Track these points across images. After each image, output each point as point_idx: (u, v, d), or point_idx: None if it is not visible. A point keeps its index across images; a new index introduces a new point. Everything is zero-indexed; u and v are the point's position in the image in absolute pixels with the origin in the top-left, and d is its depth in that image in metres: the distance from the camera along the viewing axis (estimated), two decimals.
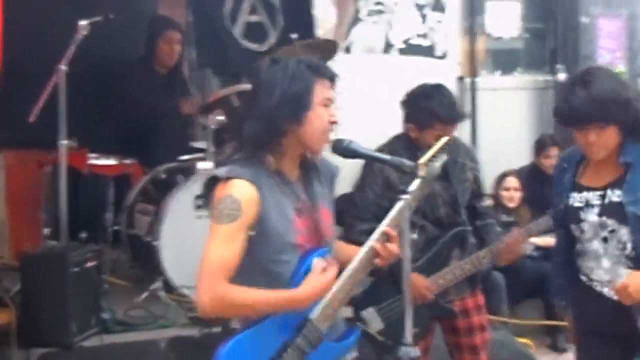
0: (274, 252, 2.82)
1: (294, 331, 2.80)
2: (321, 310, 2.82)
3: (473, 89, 7.62)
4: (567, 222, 3.46)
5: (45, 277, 4.59)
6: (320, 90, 2.87)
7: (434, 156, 3.02)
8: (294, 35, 5.76)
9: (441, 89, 4.22)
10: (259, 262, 2.81)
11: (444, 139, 3.16)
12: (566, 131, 8.55)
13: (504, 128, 8.14)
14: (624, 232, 3.31)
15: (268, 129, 2.82)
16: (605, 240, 3.36)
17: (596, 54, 8.66)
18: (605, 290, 3.39)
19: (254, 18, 6.94)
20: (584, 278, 3.45)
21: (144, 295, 5.32)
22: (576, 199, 3.42)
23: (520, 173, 7.02)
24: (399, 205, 2.88)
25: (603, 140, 3.29)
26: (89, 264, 4.78)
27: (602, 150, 3.32)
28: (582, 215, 3.40)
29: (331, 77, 2.92)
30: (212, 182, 2.86)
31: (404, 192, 2.88)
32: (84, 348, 4.60)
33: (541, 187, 6.97)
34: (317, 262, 2.83)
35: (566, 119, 3.38)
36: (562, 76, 8.21)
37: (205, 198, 2.91)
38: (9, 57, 5.05)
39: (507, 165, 7.15)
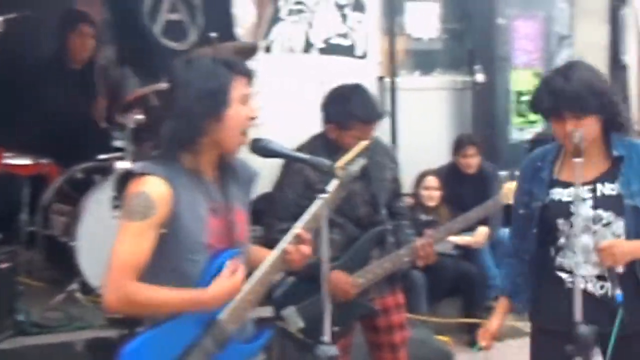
0: (185, 251, 2.80)
1: (201, 331, 2.79)
2: (230, 311, 2.82)
3: (393, 89, 7.67)
4: (552, 218, 3.44)
5: None
6: (237, 87, 2.86)
7: (352, 159, 3.04)
8: (213, 34, 5.74)
9: (360, 89, 4.25)
10: (169, 260, 2.79)
11: (363, 143, 3.19)
12: (485, 131, 8.76)
13: (423, 128, 8.22)
14: (620, 225, 3.37)
15: (186, 127, 2.79)
16: (595, 233, 3.39)
17: (513, 55, 8.83)
18: (590, 286, 3.41)
19: (174, 16, 6.90)
20: (563, 275, 3.46)
21: (61, 296, 5.25)
22: (563, 194, 3.44)
23: (439, 172, 7.10)
24: (313, 207, 2.90)
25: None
26: (3, 265, 4.72)
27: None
28: (573, 209, 3.38)
29: (248, 74, 2.91)
30: (126, 178, 2.83)
31: (323, 191, 2.89)
32: None
33: (459, 187, 7.09)
34: (227, 264, 2.83)
35: (544, 110, 3.42)
36: (479, 77, 8.34)
37: (119, 194, 2.88)
38: None
39: (426, 165, 7.22)
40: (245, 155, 3.00)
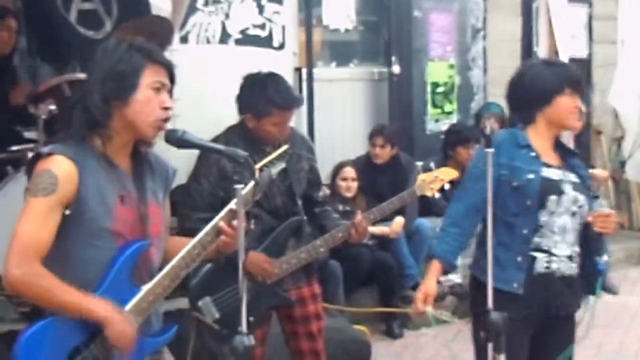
0: (88, 235, 2.77)
1: (95, 331, 2.76)
2: (135, 303, 2.81)
3: (310, 80, 7.70)
4: (544, 194, 3.54)
5: None
6: (150, 74, 2.84)
7: (272, 161, 3.07)
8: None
9: (275, 77, 4.26)
10: (72, 244, 2.76)
11: (284, 147, 3.23)
12: (401, 122, 8.84)
13: (340, 119, 8.29)
14: (586, 210, 3.56)
15: (93, 108, 2.78)
16: (573, 214, 3.56)
17: (428, 47, 8.94)
18: (562, 266, 3.57)
19: (87, 5, 6.80)
20: (540, 255, 3.56)
21: None
22: (553, 173, 3.60)
23: (356, 163, 7.16)
24: (231, 203, 2.91)
25: None
26: None
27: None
28: (563, 187, 3.58)
29: (165, 63, 2.90)
30: (35, 160, 2.80)
31: (239, 182, 2.90)
32: None
33: (374, 177, 7.17)
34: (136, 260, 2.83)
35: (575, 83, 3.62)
36: (396, 68, 8.43)
37: (28, 177, 2.84)
38: None
39: (343, 156, 7.28)
40: (160, 146, 3.00)
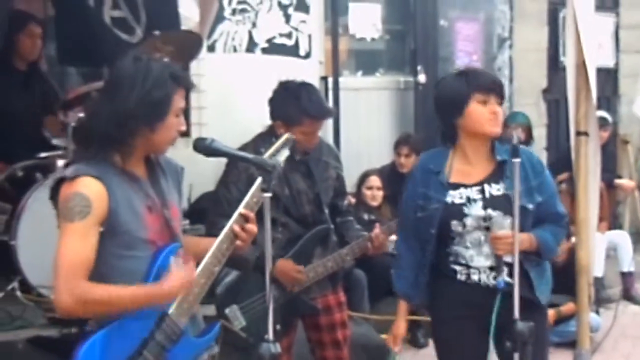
0: (124, 247, 2.81)
1: (152, 327, 2.81)
2: (177, 304, 2.85)
3: (335, 88, 7.71)
4: (446, 219, 3.56)
5: None
6: (177, 100, 2.88)
7: (276, 151, 3.09)
8: (157, 32, 5.72)
9: (308, 86, 4.28)
10: (110, 258, 2.80)
11: (286, 135, 3.25)
12: (426, 131, 8.82)
13: (366, 128, 8.29)
14: (508, 222, 3.48)
15: (120, 128, 2.80)
16: (487, 229, 3.54)
17: (454, 56, 8.92)
18: (483, 277, 3.56)
19: (116, 13, 6.85)
20: (458, 267, 3.59)
21: (0, 295, 5.20)
22: (455, 197, 3.58)
23: (381, 172, 7.16)
24: (252, 189, 2.98)
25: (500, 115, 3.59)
26: None
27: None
28: (466, 210, 3.56)
29: (188, 87, 2.95)
30: (59, 184, 2.83)
31: (266, 190, 2.92)
32: None
33: (399, 186, 7.14)
34: (174, 260, 2.85)
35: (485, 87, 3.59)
36: (421, 77, 8.42)
37: (53, 200, 2.87)
38: None
39: (368, 165, 7.28)
40: (186, 152, 3.02)
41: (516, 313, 3.35)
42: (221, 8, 7.12)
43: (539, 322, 3.49)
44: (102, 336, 2.77)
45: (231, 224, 2.99)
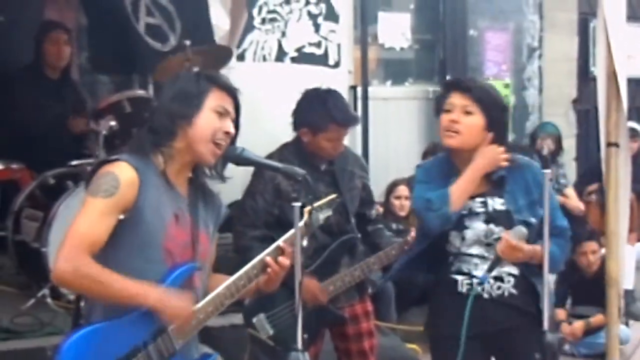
0: (139, 246, 2.80)
1: (148, 337, 2.79)
2: (179, 325, 2.82)
3: (365, 98, 7.72)
4: (447, 229, 3.51)
5: None
6: (215, 98, 2.90)
7: (323, 206, 3.09)
8: (187, 42, 5.76)
9: (334, 93, 4.28)
10: (123, 252, 2.79)
11: (334, 196, 3.25)
12: None
13: (395, 137, 8.28)
14: (526, 234, 3.40)
15: (159, 125, 2.87)
16: (488, 245, 3.49)
17: (484, 66, 8.91)
18: (487, 287, 3.49)
19: (151, 20, 6.90)
20: (459, 277, 3.53)
21: (31, 302, 5.23)
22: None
23: (410, 181, 7.13)
24: (291, 231, 2.93)
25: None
26: None
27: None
28: (467, 222, 3.50)
29: (230, 91, 2.95)
30: (99, 165, 2.85)
31: (296, 200, 2.92)
32: None
33: None
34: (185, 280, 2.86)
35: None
36: None
37: (88, 180, 2.88)
38: None
39: (397, 174, 7.27)
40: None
41: (545, 325, 3.32)
42: (251, 17, 7.15)
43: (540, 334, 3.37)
44: (99, 328, 2.75)
45: (264, 254, 2.96)
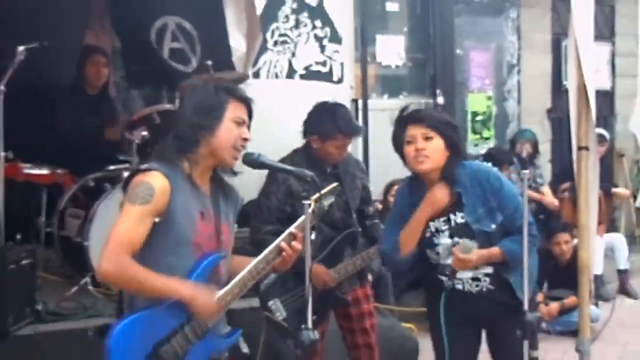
0: (172, 244, 2.81)
1: (184, 319, 2.81)
2: None
3: (365, 109, 7.70)
4: (422, 248, 3.52)
5: None
6: (233, 109, 2.90)
7: (326, 195, 3.10)
8: (209, 62, 5.78)
9: (342, 107, 4.29)
10: (158, 251, 2.80)
11: (335, 184, 3.26)
12: None
13: (392, 144, 8.25)
14: (474, 245, 3.42)
15: (185, 135, 2.85)
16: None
17: (469, 81, 8.89)
18: (467, 286, 3.52)
19: (175, 45, 6.92)
20: (443, 278, 3.53)
21: (74, 289, 5.24)
22: (425, 230, 3.51)
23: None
24: (301, 217, 2.94)
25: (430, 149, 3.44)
26: (24, 262, 4.70)
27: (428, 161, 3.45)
28: (436, 240, 3.51)
29: (245, 102, 2.95)
30: (133, 175, 2.85)
31: (306, 197, 2.92)
32: (19, 336, 4.52)
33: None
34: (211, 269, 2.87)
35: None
36: (440, 99, 8.38)
37: (124, 189, 2.88)
38: None
39: (394, 175, 7.19)
40: (239, 166, 3.03)
41: (526, 305, 3.32)
42: (265, 40, 7.15)
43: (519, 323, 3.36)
44: (140, 317, 2.76)
45: (280, 239, 2.97)
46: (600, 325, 6.14)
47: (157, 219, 2.77)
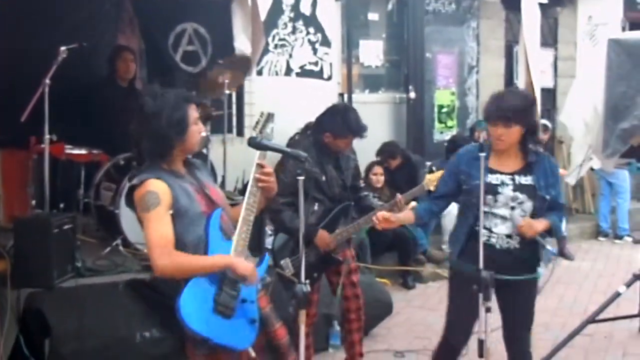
0: (189, 223, 2.82)
1: (220, 276, 2.83)
2: (233, 248, 2.88)
3: (350, 102, 7.69)
4: (483, 194, 3.45)
5: (32, 236, 4.47)
6: (191, 113, 2.90)
7: (262, 125, 3.06)
8: (220, 61, 5.76)
9: (352, 109, 4.29)
10: (182, 233, 2.81)
11: (267, 113, 3.16)
12: (415, 134, 8.72)
13: (372, 132, 8.19)
14: (529, 205, 3.50)
15: (162, 145, 2.85)
16: (512, 208, 3.52)
17: (436, 79, 8.89)
18: (500, 241, 3.53)
19: (190, 47, 6.90)
20: (484, 231, 3.47)
21: (107, 249, 5.24)
22: (493, 178, 3.53)
23: (381, 164, 7.15)
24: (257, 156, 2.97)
25: (507, 136, 3.48)
26: (66, 227, 4.69)
27: (504, 144, 3.50)
28: (500, 189, 3.52)
29: (197, 103, 2.96)
30: (131, 191, 2.86)
31: (299, 174, 2.94)
32: (62, 288, 4.52)
33: (394, 175, 7.18)
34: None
35: (490, 117, 3.54)
36: (412, 95, 8.38)
37: (129, 205, 2.88)
38: (4, 75, 4.90)
39: (373, 158, 7.27)
40: (245, 148, 3.01)
41: (481, 264, 3.34)
42: (267, 43, 7.13)
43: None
44: (191, 285, 2.77)
45: (252, 174, 2.97)
46: (542, 282, 6.19)
47: (171, 212, 2.79)
